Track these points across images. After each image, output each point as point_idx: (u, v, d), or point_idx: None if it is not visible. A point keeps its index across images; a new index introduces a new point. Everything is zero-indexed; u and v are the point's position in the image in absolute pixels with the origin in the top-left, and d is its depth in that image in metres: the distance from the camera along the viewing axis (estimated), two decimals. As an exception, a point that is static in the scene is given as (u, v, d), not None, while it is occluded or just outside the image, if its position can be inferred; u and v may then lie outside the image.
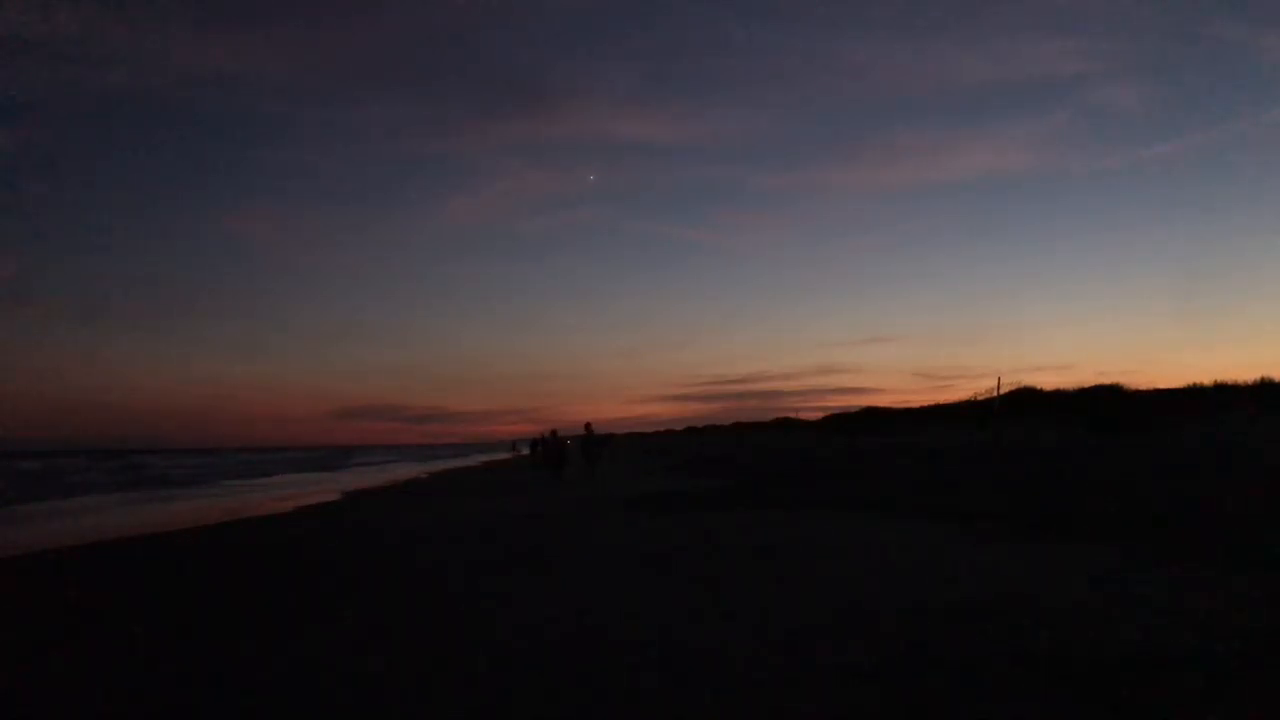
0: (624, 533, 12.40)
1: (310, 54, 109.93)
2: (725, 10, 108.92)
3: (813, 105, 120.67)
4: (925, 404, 63.25)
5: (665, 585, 7.96)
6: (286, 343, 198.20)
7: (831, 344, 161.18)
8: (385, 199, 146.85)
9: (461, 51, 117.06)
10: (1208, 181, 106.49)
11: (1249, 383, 39.92)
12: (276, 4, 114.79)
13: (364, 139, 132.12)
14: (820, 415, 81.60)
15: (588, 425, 27.27)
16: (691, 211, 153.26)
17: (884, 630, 5.80)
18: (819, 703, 4.43)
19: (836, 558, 9.06)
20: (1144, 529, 9.72)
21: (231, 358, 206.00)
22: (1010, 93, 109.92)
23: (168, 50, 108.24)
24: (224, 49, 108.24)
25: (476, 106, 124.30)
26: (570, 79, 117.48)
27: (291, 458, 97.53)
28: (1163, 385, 45.31)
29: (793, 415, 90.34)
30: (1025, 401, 47.22)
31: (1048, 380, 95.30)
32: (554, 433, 28.68)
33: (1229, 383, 40.96)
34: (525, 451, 46.41)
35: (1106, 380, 48.06)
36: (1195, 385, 42.47)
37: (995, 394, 45.22)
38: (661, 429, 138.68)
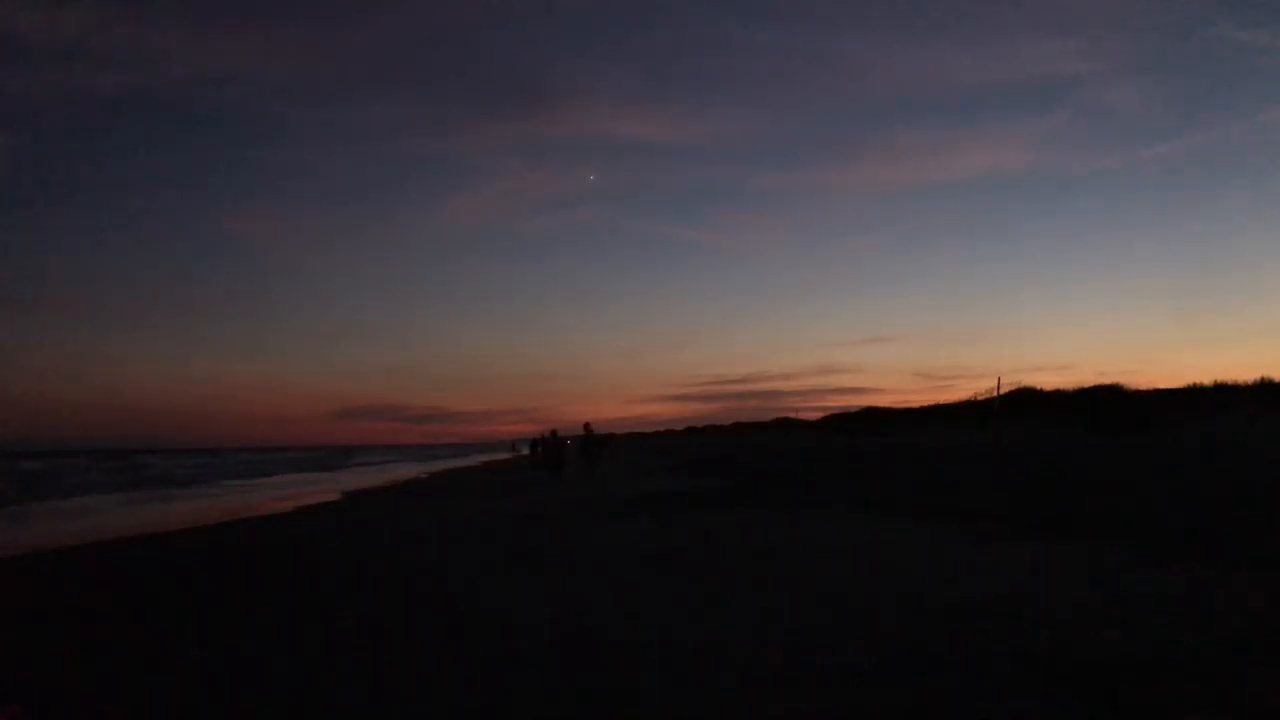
0: (624, 533, 12.40)
1: (310, 54, 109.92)
2: (725, 10, 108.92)
3: (813, 105, 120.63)
4: (925, 404, 63.28)
5: (665, 585, 7.96)
6: (286, 343, 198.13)
7: (831, 344, 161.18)
8: (385, 199, 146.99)
9: (461, 51, 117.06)
10: (1208, 181, 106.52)
11: (1249, 383, 39.94)
12: (276, 4, 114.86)
13: (364, 139, 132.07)
14: (820, 415, 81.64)
15: (587, 425, 27.28)
16: (691, 211, 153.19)
17: (884, 630, 5.80)
18: (819, 703, 4.43)
19: (836, 558, 9.07)
20: (1144, 529, 9.72)
21: (231, 358, 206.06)
22: (1010, 93, 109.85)
23: (168, 50, 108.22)
24: (224, 49, 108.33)
25: (476, 106, 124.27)
26: (570, 79, 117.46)
27: (291, 458, 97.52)
28: (1163, 385, 45.35)
29: (793, 415, 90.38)
30: (1025, 401, 47.21)
31: (1048, 380, 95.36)
32: (554, 433, 28.68)
33: (1229, 383, 41.00)
34: (525, 451, 46.42)
35: (1106, 380, 48.10)
36: (1195, 385, 42.50)
37: (995, 394, 45.21)
38: (661, 429, 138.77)
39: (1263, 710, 4.06)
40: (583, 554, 10.45)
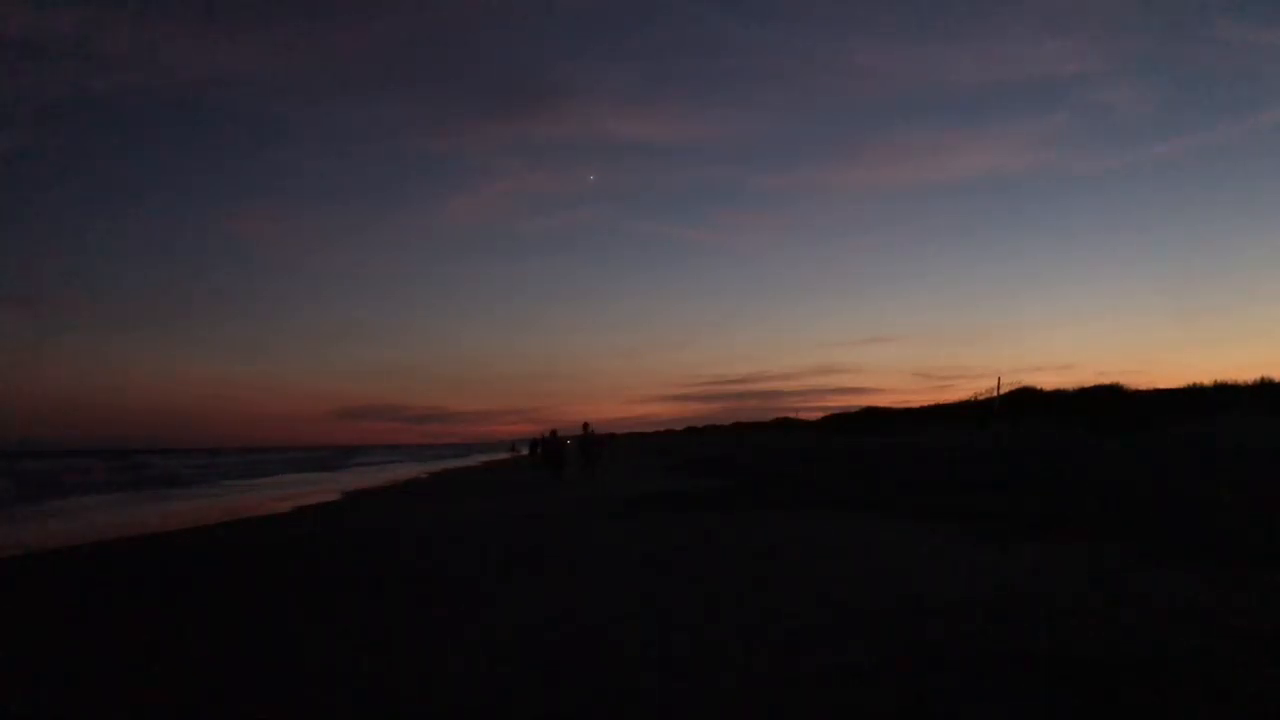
0: (624, 533, 12.40)
1: (310, 54, 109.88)
2: (725, 10, 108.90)
3: (813, 105, 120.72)
4: (925, 404, 63.39)
5: (665, 586, 7.96)
6: (286, 343, 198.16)
7: (831, 344, 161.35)
8: (385, 199, 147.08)
9: (461, 51, 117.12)
10: (1208, 181, 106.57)
11: (1249, 383, 39.95)
12: (276, 4, 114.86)
13: (364, 139, 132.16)
14: (820, 415, 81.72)
15: (586, 425, 27.29)
16: (691, 211, 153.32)
17: (884, 630, 5.79)
18: (819, 703, 4.43)
19: (836, 558, 9.06)
20: (1144, 529, 9.72)
21: (231, 358, 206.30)
22: (1010, 93, 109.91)
23: (168, 50, 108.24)
24: (224, 49, 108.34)
25: (476, 106, 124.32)
26: (570, 79, 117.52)
27: (292, 458, 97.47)
28: (1163, 385, 45.38)
29: (793, 415, 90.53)
30: (1025, 401, 47.24)
31: (1048, 380, 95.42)
32: (554, 433, 28.67)
33: (1229, 383, 41.01)
34: (525, 452, 46.40)
35: (1106, 380, 48.13)
36: (1195, 385, 42.52)
37: (995, 394, 45.24)
38: (661, 429, 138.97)
39: (1263, 710, 4.06)
40: (583, 554, 10.44)
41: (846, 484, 19.27)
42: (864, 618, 6.18)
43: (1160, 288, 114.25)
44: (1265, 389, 38.47)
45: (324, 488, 35.27)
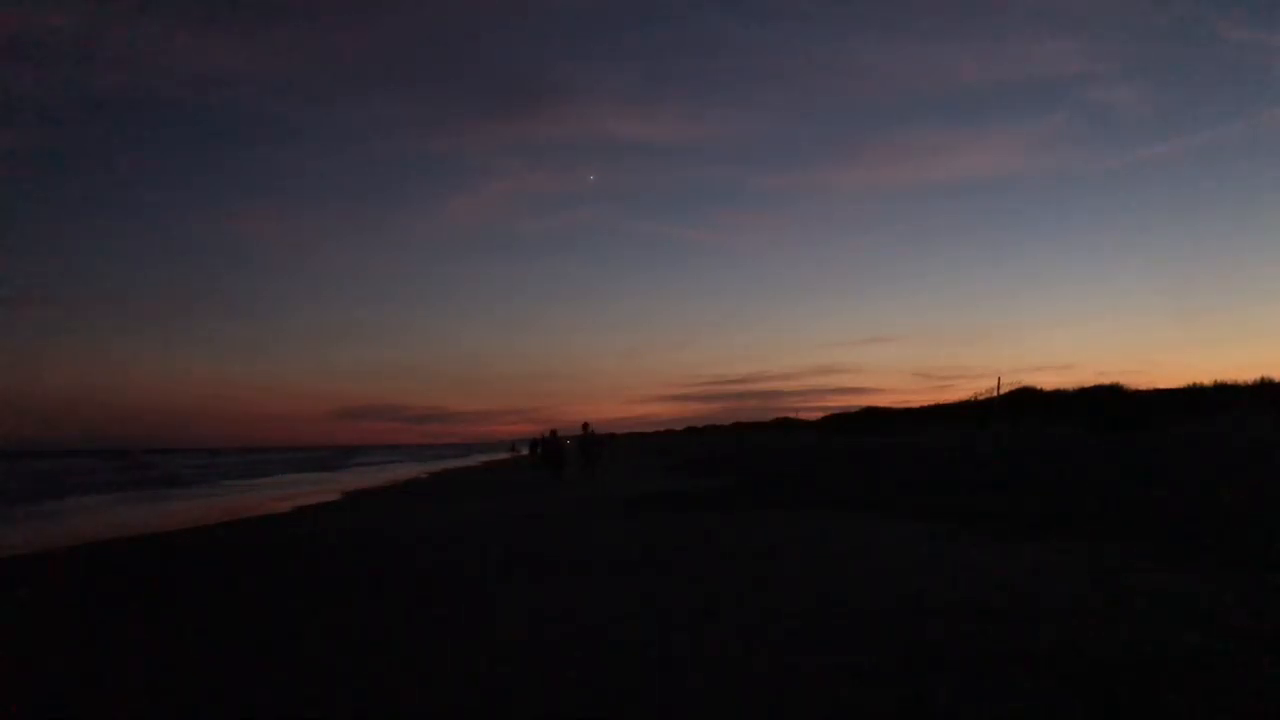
0: (624, 533, 12.40)
1: (310, 54, 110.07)
2: (725, 10, 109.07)
3: (813, 105, 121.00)
4: (925, 404, 63.42)
5: (665, 585, 7.95)
6: (286, 343, 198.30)
7: (831, 344, 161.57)
8: (385, 199, 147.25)
9: (461, 51, 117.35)
10: (1208, 181, 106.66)
11: (1249, 383, 39.96)
12: (276, 4, 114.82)
13: (364, 139, 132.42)
14: (820, 415, 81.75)
15: (585, 425, 27.28)
16: (691, 211, 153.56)
17: (884, 630, 5.79)
18: (818, 703, 4.43)
19: (836, 558, 9.06)
20: (1144, 528, 9.72)
21: (231, 358, 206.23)
22: (1010, 93, 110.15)
23: (168, 50, 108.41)
24: (224, 49, 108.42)
25: (476, 106, 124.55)
26: (570, 79, 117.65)
27: (292, 458, 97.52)
28: (1163, 385, 45.39)
29: (793, 415, 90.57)
30: (1025, 401, 47.26)
31: (1048, 380, 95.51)
32: (554, 433, 28.67)
33: (1229, 383, 41.02)
34: (524, 452, 46.42)
35: (1106, 380, 48.14)
36: (1195, 385, 42.53)
37: (995, 394, 45.24)
38: (661, 429, 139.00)
39: (1263, 710, 4.05)
40: (582, 554, 10.44)
41: (846, 484, 19.27)
42: (864, 617, 6.18)
43: (1160, 288, 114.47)
44: (1265, 389, 38.48)
45: (324, 488, 35.28)
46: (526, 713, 4.58)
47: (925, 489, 16.60)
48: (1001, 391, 45.99)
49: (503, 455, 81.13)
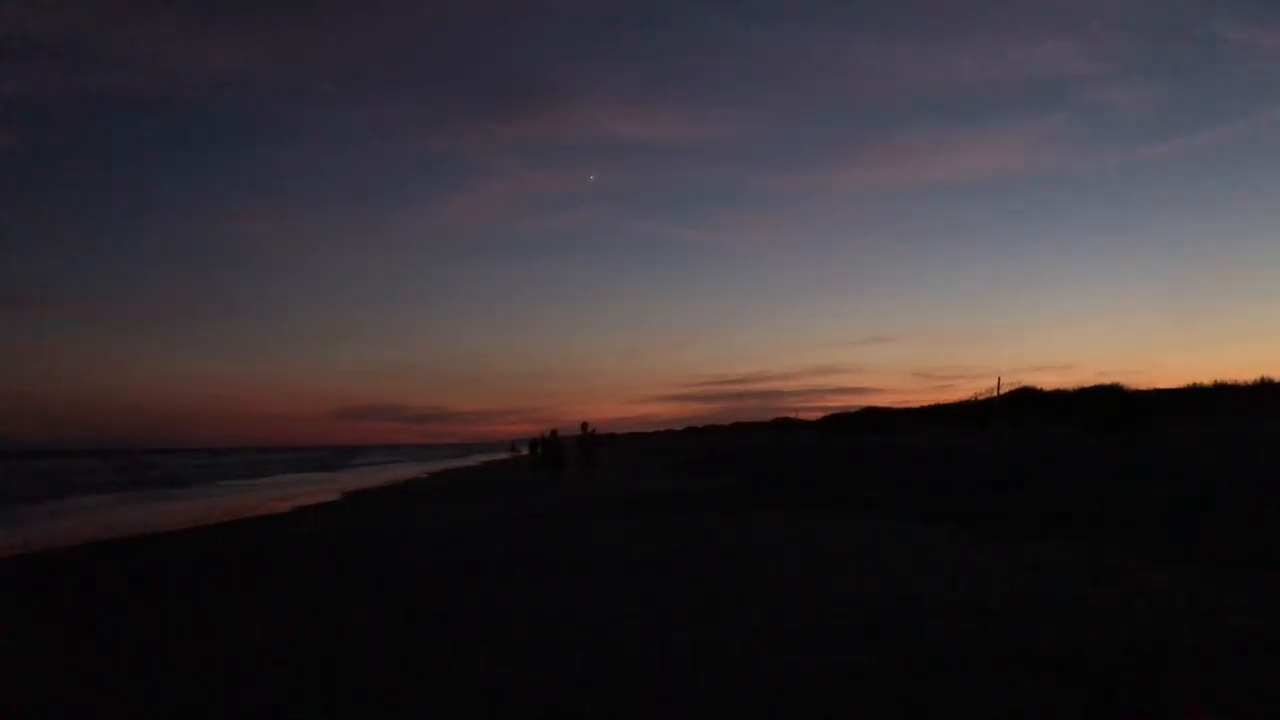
0: (624, 533, 12.40)
1: (310, 54, 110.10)
2: (725, 10, 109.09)
3: (813, 105, 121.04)
4: (925, 404, 63.35)
5: (665, 585, 7.96)
6: (286, 343, 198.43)
7: (831, 344, 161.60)
8: (385, 199, 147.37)
9: (461, 51, 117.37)
10: (1208, 181, 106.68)
11: (1249, 383, 39.93)
12: (276, 4, 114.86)
13: (364, 139, 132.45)
14: (820, 415, 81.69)
15: (585, 425, 27.27)
16: (691, 211, 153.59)
17: (884, 630, 5.79)
18: (819, 703, 4.43)
19: (836, 558, 9.06)
20: (1144, 528, 9.72)
21: (231, 358, 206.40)
22: (1010, 93, 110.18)
23: (168, 50, 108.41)
24: (224, 49, 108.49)
25: (476, 106, 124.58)
26: (570, 79, 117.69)
27: (292, 458, 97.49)
28: (1163, 385, 45.34)
29: (793, 415, 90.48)
30: (1025, 401, 47.21)
31: (1048, 380, 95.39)
32: (554, 433, 28.67)
33: (1229, 383, 40.99)
34: (524, 452, 46.41)
35: (1106, 380, 48.09)
36: (1195, 385, 42.50)
37: (995, 394, 45.24)
38: (661, 429, 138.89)
39: (1263, 710, 4.05)
40: (582, 554, 10.44)
41: (846, 484, 19.26)
42: (864, 617, 6.18)
43: (1160, 288, 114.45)
44: (1265, 389, 38.45)
45: (324, 488, 35.27)
46: (527, 713, 4.58)
47: (925, 489, 16.59)
48: (1001, 391, 46.02)
49: (503, 455, 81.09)
